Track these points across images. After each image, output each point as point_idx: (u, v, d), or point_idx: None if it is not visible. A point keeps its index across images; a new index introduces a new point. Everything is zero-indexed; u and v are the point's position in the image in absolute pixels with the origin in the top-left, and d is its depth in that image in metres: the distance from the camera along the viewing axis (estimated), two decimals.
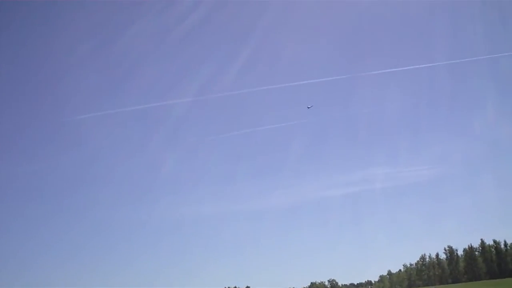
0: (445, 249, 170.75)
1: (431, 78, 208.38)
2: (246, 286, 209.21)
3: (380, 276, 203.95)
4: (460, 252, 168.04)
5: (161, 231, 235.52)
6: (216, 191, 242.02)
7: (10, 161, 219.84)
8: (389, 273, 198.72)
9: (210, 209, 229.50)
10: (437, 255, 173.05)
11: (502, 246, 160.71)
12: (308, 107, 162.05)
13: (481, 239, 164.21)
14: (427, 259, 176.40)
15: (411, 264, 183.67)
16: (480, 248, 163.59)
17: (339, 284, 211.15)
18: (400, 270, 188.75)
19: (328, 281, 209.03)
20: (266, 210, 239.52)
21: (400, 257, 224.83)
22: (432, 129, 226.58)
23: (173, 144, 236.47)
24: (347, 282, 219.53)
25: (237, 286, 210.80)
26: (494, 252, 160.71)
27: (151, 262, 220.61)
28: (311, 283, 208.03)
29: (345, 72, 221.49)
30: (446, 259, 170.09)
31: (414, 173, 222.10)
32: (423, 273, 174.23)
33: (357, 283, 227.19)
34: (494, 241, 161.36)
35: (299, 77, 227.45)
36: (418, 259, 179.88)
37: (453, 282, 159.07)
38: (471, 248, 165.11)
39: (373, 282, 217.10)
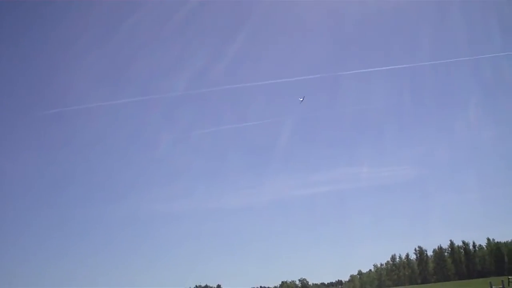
0: (415, 250, 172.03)
1: (416, 77, 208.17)
2: (217, 284, 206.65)
3: (351, 276, 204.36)
4: (430, 253, 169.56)
5: (142, 227, 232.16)
6: (195, 186, 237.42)
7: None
8: (360, 273, 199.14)
9: (189, 205, 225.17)
10: (407, 255, 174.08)
11: (471, 247, 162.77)
12: (301, 100, 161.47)
13: (450, 240, 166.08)
14: (397, 259, 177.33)
15: (381, 264, 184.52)
16: (449, 249, 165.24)
17: (310, 283, 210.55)
18: (370, 270, 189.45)
19: (299, 280, 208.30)
20: (246, 208, 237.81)
21: (372, 257, 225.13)
22: (416, 128, 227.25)
23: (161, 138, 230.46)
24: (318, 282, 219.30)
25: (208, 285, 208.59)
26: (463, 253, 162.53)
27: (134, 260, 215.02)
28: (282, 282, 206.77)
29: (330, 70, 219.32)
30: (416, 259, 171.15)
31: (395, 173, 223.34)
32: (393, 273, 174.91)
33: (328, 283, 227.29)
34: (463, 242, 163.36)
35: (284, 74, 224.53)
36: (389, 259, 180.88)
37: (422, 283, 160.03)
38: (440, 249, 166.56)
39: (343, 281, 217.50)
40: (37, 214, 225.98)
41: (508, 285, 67.54)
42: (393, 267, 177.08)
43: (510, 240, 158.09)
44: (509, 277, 75.00)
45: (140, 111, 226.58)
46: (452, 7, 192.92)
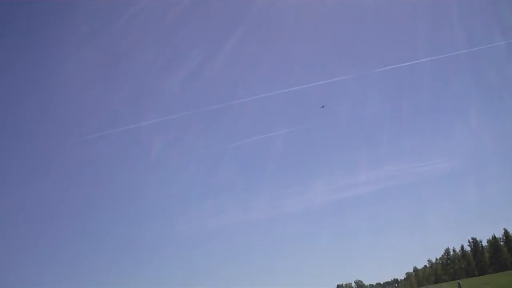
0: (469, 241, 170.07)
1: (412, 77, 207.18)
2: None
3: (406, 274, 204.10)
4: (484, 243, 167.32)
5: (176, 247, 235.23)
6: (221, 203, 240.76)
7: (29, 183, 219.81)
8: (415, 269, 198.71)
9: (218, 221, 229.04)
10: (461, 247, 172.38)
11: None
12: (322, 107, 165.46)
13: (504, 229, 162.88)
14: (451, 253, 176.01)
15: (436, 259, 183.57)
16: (504, 238, 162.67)
17: (366, 284, 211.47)
18: (425, 266, 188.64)
19: (355, 282, 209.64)
20: (280, 217, 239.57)
21: (424, 253, 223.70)
22: (443, 123, 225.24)
23: (185, 156, 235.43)
24: (374, 282, 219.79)
25: None
26: None
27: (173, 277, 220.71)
28: (338, 285, 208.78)
29: (325, 77, 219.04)
30: (471, 251, 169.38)
31: (429, 168, 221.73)
32: (449, 267, 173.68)
33: (384, 282, 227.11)
34: None
35: (276, 86, 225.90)
36: (443, 253, 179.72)
37: (479, 274, 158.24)
38: (495, 238, 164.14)
39: (399, 280, 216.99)
40: (76, 234, 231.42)
41: None
42: (448, 261, 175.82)
43: None
44: None
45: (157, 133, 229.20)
46: (450, 3, 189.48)
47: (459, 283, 44.60)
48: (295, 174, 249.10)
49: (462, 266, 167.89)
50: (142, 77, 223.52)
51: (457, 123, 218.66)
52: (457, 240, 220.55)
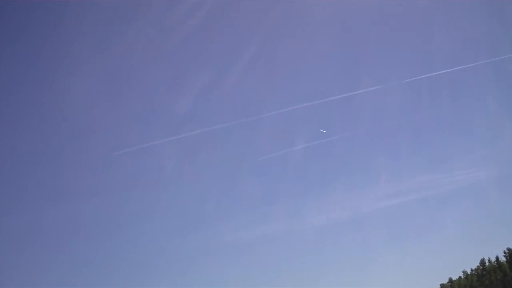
0: (504, 252, 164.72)
1: (432, 88, 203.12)
2: None
3: (441, 285, 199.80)
4: None
5: (193, 262, 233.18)
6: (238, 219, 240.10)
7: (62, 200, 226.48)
8: (450, 280, 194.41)
9: (236, 236, 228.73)
10: (497, 258, 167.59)
11: None
12: (323, 131, 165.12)
13: None
14: (487, 264, 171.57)
15: (471, 270, 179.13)
16: None
17: None
18: (460, 277, 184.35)
19: None
20: (298, 232, 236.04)
21: (459, 263, 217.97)
22: (465, 133, 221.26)
23: (201, 173, 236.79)
24: None
25: None
26: None
27: None
28: None
29: (343, 91, 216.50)
30: (506, 261, 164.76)
31: (457, 178, 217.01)
32: (485, 278, 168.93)
33: None
34: None
35: (293, 100, 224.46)
36: (478, 264, 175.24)
37: None
38: None
39: None
40: (111, 252, 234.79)
41: None
42: (484, 272, 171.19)
43: None
44: None
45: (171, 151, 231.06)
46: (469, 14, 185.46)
47: None
48: (314, 188, 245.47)
49: (498, 277, 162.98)
50: (153, 94, 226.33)
51: (492, 132, 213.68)
52: (493, 251, 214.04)
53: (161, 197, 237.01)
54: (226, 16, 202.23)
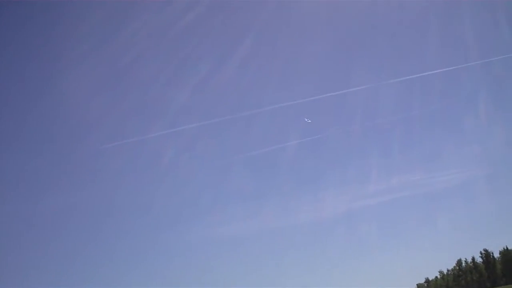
0: (481, 253, 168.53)
1: (423, 88, 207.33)
2: None
3: (418, 285, 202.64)
4: (497, 255, 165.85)
5: (186, 255, 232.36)
6: (231, 212, 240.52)
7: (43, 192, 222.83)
8: (427, 280, 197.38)
9: (227, 230, 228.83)
10: (473, 259, 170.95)
11: None
12: (307, 120, 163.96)
13: None
14: (463, 264, 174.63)
15: (448, 270, 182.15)
16: None
17: None
18: (437, 277, 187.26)
19: None
20: (290, 227, 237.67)
21: (436, 264, 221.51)
22: (455, 133, 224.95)
23: (195, 166, 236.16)
24: None
25: None
26: None
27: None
28: None
29: (336, 88, 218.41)
30: (482, 262, 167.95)
31: (440, 179, 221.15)
32: (461, 279, 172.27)
33: None
34: None
35: (287, 97, 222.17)
36: (455, 264, 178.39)
37: (492, 286, 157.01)
38: (507, 250, 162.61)
39: None
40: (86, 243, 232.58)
41: None
42: (460, 272, 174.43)
43: None
44: None
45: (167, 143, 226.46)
46: (460, 10, 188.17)
47: None
48: (306, 184, 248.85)
49: (474, 278, 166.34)
50: (150, 87, 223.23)
51: (468, 134, 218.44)
52: (470, 252, 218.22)
53: (153, 190, 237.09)
54: (221, 13, 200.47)
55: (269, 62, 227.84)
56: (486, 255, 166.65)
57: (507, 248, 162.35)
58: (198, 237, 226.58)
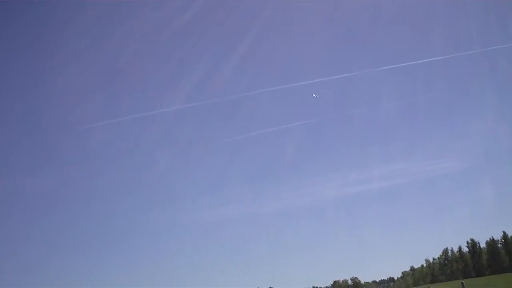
0: (467, 242, 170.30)
1: (427, 74, 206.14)
2: (269, 287, 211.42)
3: (403, 273, 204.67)
4: (483, 245, 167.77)
5: (180, 237, 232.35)
6: (228, 194, 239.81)
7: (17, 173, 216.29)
8: (412, 269, 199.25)
9: (225, 212, 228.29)
10: (459, 248, 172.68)
11: None
12: (315, 95, 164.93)
13: (503, 231, 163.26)
14: (449, 253, 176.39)
15: (434, 259, 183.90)
16: (503, 240, 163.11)
17: (362, 282, 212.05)
18: (422, 265, 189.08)
19: (351, 279, 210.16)
20: (287, 211, 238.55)
21: (422, 252, 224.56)
22: (455, 122, 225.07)
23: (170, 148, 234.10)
24: (370, 280, 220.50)
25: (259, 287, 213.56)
26: None
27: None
28: (334, 281, 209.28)
29: (339, 72, 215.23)
30: (468, 252, 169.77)
31: (429, 168, 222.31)
32: (446, 268, 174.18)
33: (379, 280, 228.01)
34: None
35: (293, 78, 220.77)
36: (441, 253, 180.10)
37: (477, 276, 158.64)
38: (493, 240, 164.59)
39: (395, 278, 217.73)
40: (74, 227, 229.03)
41: None
42: (446, 261, 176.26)
43: None
44: None
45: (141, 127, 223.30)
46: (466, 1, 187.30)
47: (462, 283, 44.52)
48: (306, 167, 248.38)
49: (460, 267, 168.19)
50: (155, 72, 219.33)
51: (468, 124, 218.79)
52: (457, 241, 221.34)
53: (127, 174, 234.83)
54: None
55: (274, 46, 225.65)
56: (473, 245, 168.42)
57: (493, 238, 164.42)
58: (169, 222, 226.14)
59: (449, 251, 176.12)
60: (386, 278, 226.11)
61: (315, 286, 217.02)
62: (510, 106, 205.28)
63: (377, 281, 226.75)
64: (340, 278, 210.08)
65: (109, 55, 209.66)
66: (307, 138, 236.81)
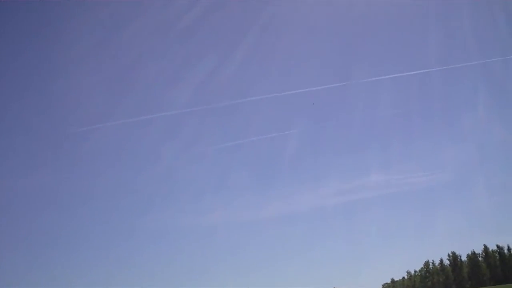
0: (448, 255, 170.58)
1: (423, 84, 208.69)
2: None
3: (383, 285, 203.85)
4: (464, 258, 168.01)
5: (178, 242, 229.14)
6: (228, 200, 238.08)
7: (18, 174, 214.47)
8: (393, 281, 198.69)
9: (224, 218, 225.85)
10: (441, 261, 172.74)
11: (506, 251, 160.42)
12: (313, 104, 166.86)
13: (484, 245, 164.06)
14: (431, 266, 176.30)
15: (415, 271, 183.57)
16: (484, 254, 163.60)
17: None
18: (403, 277, 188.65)
19: None
20: (258, 221, 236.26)
21: (403, 265, 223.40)
22: (426, 136, 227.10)
23: (192, 153, 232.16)
24: None
25: None
26: (497, 257, 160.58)
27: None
28: None
29: (337, 80, 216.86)
30: (450, 265, 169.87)
31: (411, 180, 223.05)
32: (427, 280, 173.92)
33: None
34: (498, 246, 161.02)
35: (290, 86, 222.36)
36: (422, 265, 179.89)
37: None
38: (474, 254, 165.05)
39: None
40: (72, 228, 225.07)
41: None
42: (427, 273, 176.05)
43: None
44: None
45: (141, 129, 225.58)
46: (459, 11, 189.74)
47: None
48: (303, 174, 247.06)
49: (441, 280, 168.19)
50: (156, 75, 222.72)
51: (450, 136, 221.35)
52: (439, 253, 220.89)
53: (127, 175, 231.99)
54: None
55: (273, 53, 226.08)
56: (454, 258, 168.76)
57: (474, 252, 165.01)
58: (190, 224, 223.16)
59: (431, 263, 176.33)
60: None
61: None
62: (500, 121, 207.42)
63: None
64: (324, 286, 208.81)
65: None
66: (303, 144, 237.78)
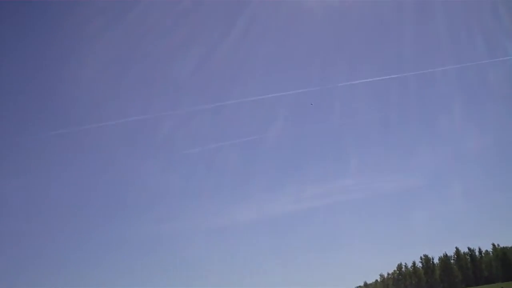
0: (421, 258, 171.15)
1: (399, 88, 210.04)
2: None
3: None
4: (436, 261, 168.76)
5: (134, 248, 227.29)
6: (181, 207, 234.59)
7: None
8: (365, 284, 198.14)
9: (181, 224, 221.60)
10: (413, 264, 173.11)
11: (477, 253, 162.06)
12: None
13: (456, 247, 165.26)
14: (403, 269, 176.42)
15: (388, 274, 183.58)
16: (455, 256, 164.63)
17: None
18: (376, 280, 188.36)
19: None
20: (235, 225, 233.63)
21: (376, 267, 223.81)
22: (402, 140, 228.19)
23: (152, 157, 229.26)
24: None
25: None
26: (469, 259, 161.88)
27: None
28: None
29: (315, 84, 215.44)
30: (422, 268, 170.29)
31: (384, 184, 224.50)
32: (400, 283, 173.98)
33: None
34: (469, 249, 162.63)
35: (266, 90, 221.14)
36: (395, 268, 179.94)
37: None
38: (446, 256, 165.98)
39: None
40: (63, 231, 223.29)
41: None
42: (400, 276, 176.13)
43: None
44: None
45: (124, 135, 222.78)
46: (435, 15, 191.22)
47: None
48: (278, 178, 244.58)
49: (413, 282, 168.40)
50: (140, 72, 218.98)
51: (426, 141, 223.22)
52: (411, 256, 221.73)
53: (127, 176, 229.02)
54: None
55: (253, 55, 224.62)
56: (426, 260, 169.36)
57: (446, 254, 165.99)
58: (163, 228, 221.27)
59: (403, 266, 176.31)
60: None
61: None
62: (475, 126, 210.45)
63: None
64: None
65: None
66: (279, 148, 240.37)
